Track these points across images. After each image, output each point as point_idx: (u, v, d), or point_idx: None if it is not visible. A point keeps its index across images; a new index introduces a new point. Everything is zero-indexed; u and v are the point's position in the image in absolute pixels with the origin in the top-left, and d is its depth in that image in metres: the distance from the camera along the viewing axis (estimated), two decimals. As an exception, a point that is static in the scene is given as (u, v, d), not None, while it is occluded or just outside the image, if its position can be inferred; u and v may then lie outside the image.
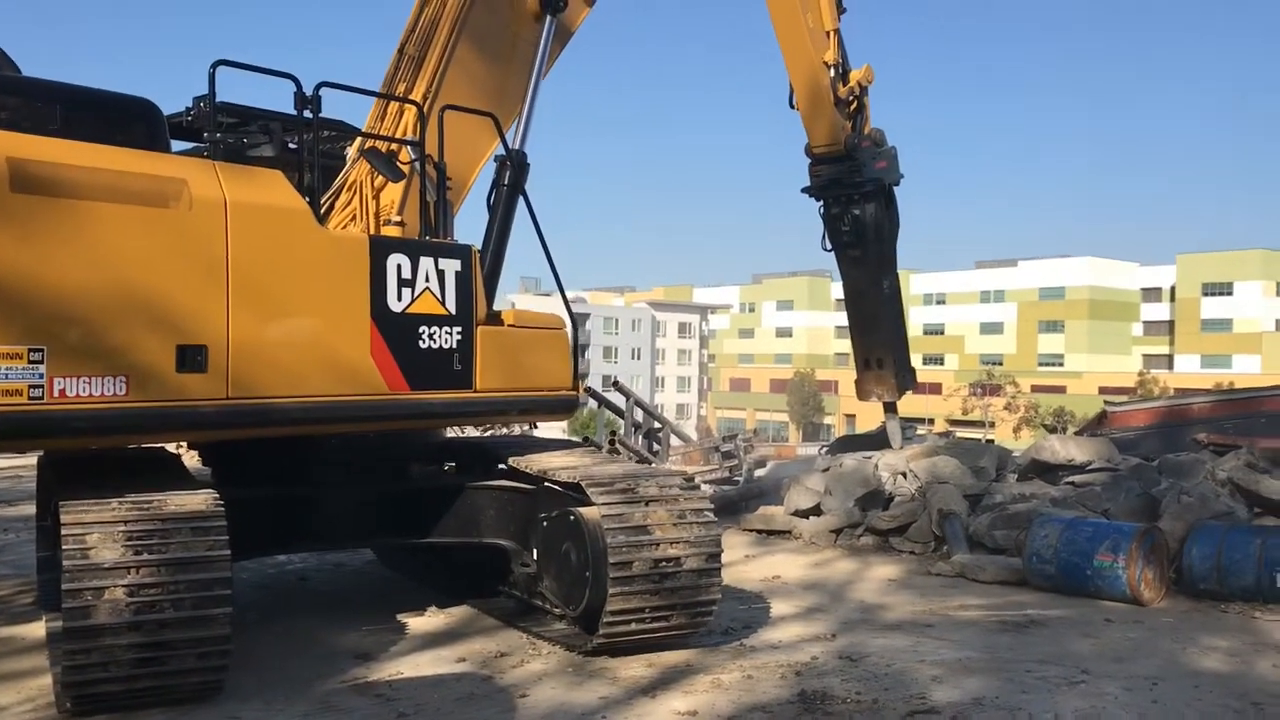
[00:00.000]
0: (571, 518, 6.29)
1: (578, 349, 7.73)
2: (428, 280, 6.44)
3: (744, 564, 9.72)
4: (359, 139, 7.70)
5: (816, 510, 11.53)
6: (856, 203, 11.87)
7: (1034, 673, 6.12)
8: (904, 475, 11.76)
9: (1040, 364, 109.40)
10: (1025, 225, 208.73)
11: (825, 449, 15.75)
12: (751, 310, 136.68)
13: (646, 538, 6.06)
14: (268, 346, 5.70)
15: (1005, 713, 5.38)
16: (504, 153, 7.87)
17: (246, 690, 5.49)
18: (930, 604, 8.04)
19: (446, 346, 6.47)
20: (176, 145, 6.37)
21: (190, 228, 5.46)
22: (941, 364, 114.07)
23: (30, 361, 4.91)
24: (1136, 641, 6.93)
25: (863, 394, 12.66)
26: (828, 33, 11.38)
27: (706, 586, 6.27)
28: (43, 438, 5.29)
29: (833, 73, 11.49)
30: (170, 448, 6.98)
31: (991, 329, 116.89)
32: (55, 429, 5.07)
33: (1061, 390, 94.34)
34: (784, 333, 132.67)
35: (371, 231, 7.43)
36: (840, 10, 11.59)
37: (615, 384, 16.20)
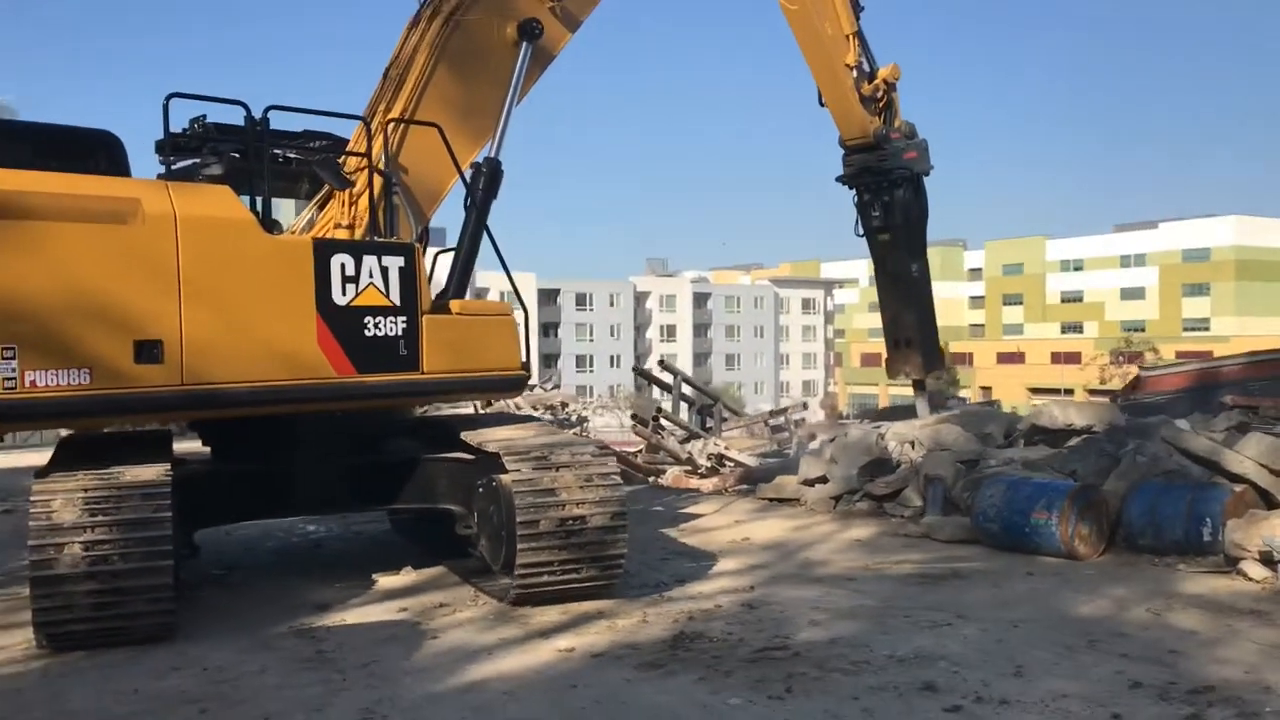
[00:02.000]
0: (494, 483, 7.10)
1: (527, 333, 8.52)
2: (371, 276, 7.28)
3: (730, 528, 10.33)
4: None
5: (824, 479, 12.06)
6: (886, 190, 12.41)
7: (911, 618, 6.66)
8: (911, 444, 12.20)
9: (1185, 329, 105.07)
10: (1166, 186, 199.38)
11: (864, 420, 16.20)
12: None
13: (553, 499, 6.82)
14: (218, 339, 6.64)
15: (851, 649, 5.95)
16: (479, 161, 8.70)
17: (202, 633, 6.46)
18: (871, 560, 8.58)
19: (392, 334, 7.31)
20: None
21: (144, 240, 6.42)
22: (1080, 332, 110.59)
23: (3, 358, 5.95)
24: (1038, 591, 7.37)
25: (892, 372, 13.18)
26: (847, 36, 11.88)
27: (613, 542, 6.99)
28: (16, 422, 6.35)
29: (855, 73, 12.01)
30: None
31: (1132, 294, 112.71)
32: (26, 414, 6.12)
33: (1208, 355, 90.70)
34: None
35: (355, 234, 8.34)
36: (859, 11, 12.05)
37: (661, 363, 16.90)
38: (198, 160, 7.65)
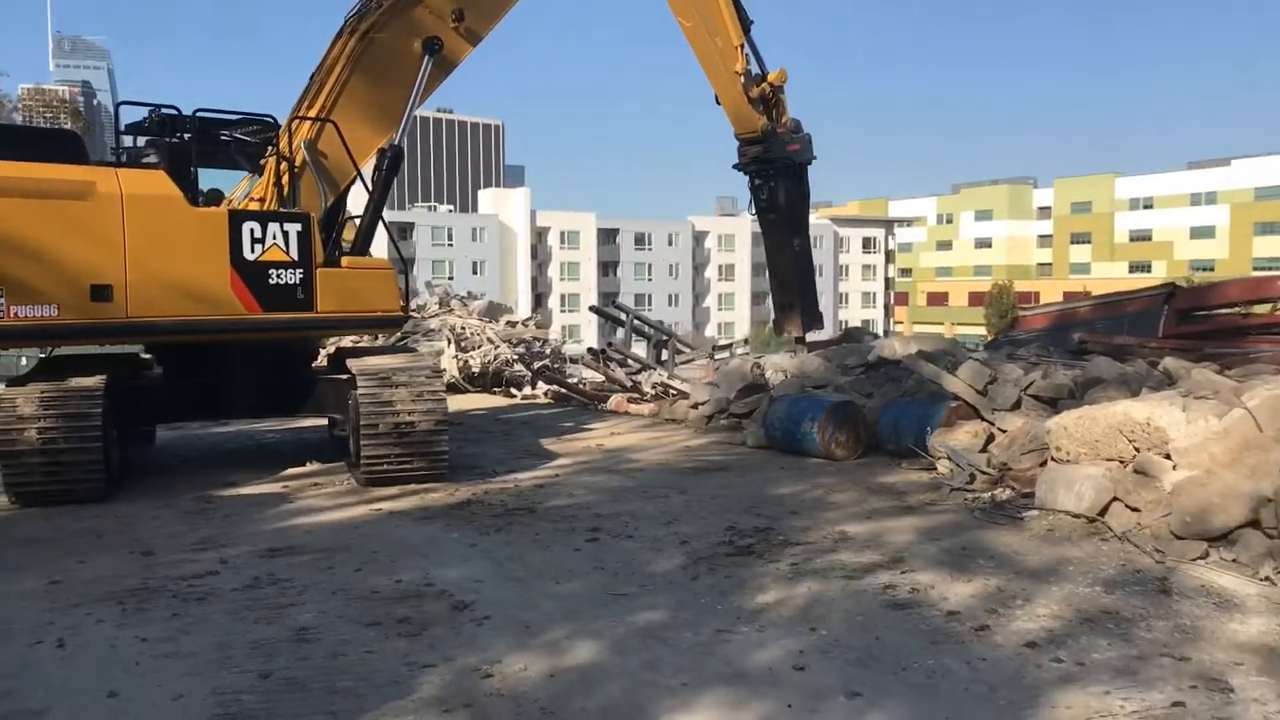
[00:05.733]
0: (351, 397, 9.53)
1: (408, 284, 10.85)
2: (275, 238, 9.68)
3: (600, 438, 12.64)
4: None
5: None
6: (773, 177, 14.42)
7: (647, 493, 8.92)
8: (783, 373, 14.38)
9: (1255, 268, 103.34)
10: (1240, 122, 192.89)
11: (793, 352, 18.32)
12: (949, 222, 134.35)
13: (389, 408, 9.23)
14: (154, 284, 9.06)
15: (576, 511, 8.24)
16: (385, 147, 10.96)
17: (128, 498, 9.00)
18: (669, 456, 10.88)
19: (292, 282, 9.71)
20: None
21: (99, 211, 8.85)
22: (1149, 271, 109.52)
23: None
24: (768, 479, 9.55)
25: (778, 329, 15.34)
26: (736, 47, 13.86)
27: (437, 441, 9.39)
28: (4, 341, 8.91)
29: (744, 78, 14.00)
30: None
31: (1202, 233, 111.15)
32: (11, 336, 8.67)
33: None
34: (983, 244, 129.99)
35: (273, 205, 10.73)
36: (748, 25, 14.01)
37: (614, 303, 19.13)
38: (143, 147, 10.13)
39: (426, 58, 10.85)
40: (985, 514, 7.64)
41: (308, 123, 10.52)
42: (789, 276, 15.07)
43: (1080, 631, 5.04)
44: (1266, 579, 5.64)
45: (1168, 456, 7.26)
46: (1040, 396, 9.94)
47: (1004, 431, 9.57)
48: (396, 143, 10.99)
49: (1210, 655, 4.70)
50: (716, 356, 20.43)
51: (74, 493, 8.67)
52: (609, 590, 5.97)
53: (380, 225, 10.79)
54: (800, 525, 7.49)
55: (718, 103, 14.32)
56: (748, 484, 9.32)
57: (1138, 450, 7.55)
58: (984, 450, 9.35)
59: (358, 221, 10.65)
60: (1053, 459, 8.14)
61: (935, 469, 9.54)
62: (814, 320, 15.37)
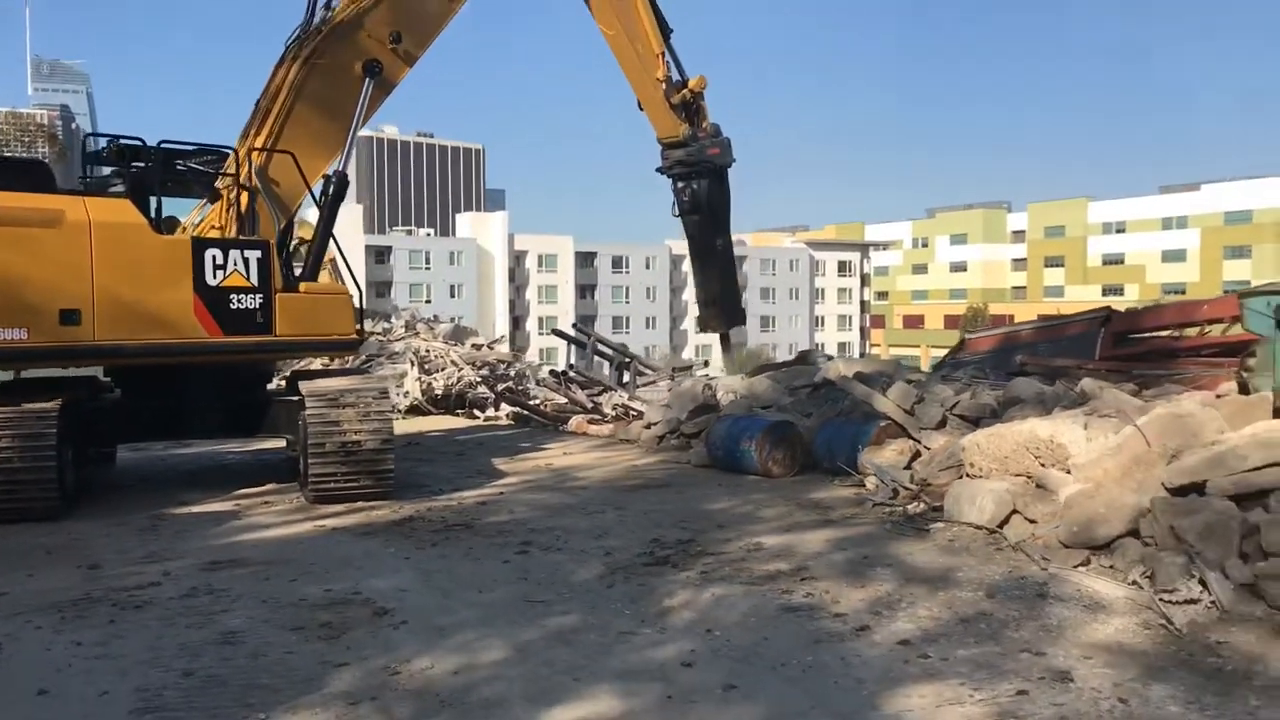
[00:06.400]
0: (301, 417, 9.87)
1: (361, 309, 11.23)
2: (236, 264, 10.03)
3: (551, 458, 13.00)
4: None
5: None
6: (695, 179, 14.88)
7: (585, 510, 9.27)
8: (734, 394, 14.80)
9: (1225, 291, 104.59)
10: (1210, 146, 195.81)
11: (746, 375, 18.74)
12: (925, 245, 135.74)
13: (336, 428, 9.58)
14: (121, 309, 9.39)
15: (513, 526, 8.60)
16: (330, 173, 11.36)
17: (83, 516, 9.30)
18: (613, 474, 11.25)
19: (252, 307, 10.06)
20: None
21: (67, 238, 9.19)
22: (1121, 294, 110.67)
23: None
24: (704, 495, 9.91)
25: (701, 326, 15.78)
26: (657, 54, 14.34)
27: (382, 461, 9.73)
28: None
29: (665, 84, 14.47)
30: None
31: (1174, 256, 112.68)
32: None
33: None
34: (958, 267, 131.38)
35: (228, 233, 11.09)
36: (668, 33, 14.49)
37: (575, 326, 19.53)
38: (108, 176, 10.48)
39: (368, 80, 11.26)
40: (896, 526, 8.04)
41: (262, 153, 10.89)
42: (713, 276, 15.60)
43: (953, 631, 5.44)
44: (1134, 582, 6.05)
45: (1069, 471, 7.69)
46: (965, 416, 10.37)
47: (929, 449, 9.99)
48: (341, 168, 11.40)
49: (1065, 651, 5.10)
50: (676, 378, 20.85)
51: (29, 510, 8.98)
52: (527, 598, 6.33)
53: (337, 251, 11.18)
54: (721, 538, 7.88)
55: (640, 109, 14.82)
56: (683, 500, 9.70)
57: (1044, 466, 7.98)
58: (908, 467, 9.75)
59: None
60: (967, 474, 8.56)
61: (864, 485, 9.94)
62: (736, 317, 15.93)
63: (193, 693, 4.74)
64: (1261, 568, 5.82)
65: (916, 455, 9.98)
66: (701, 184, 14.62)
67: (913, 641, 5.29)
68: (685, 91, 14.25)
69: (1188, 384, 10.61)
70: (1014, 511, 7.56)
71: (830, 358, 17.11)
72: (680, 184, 14.94)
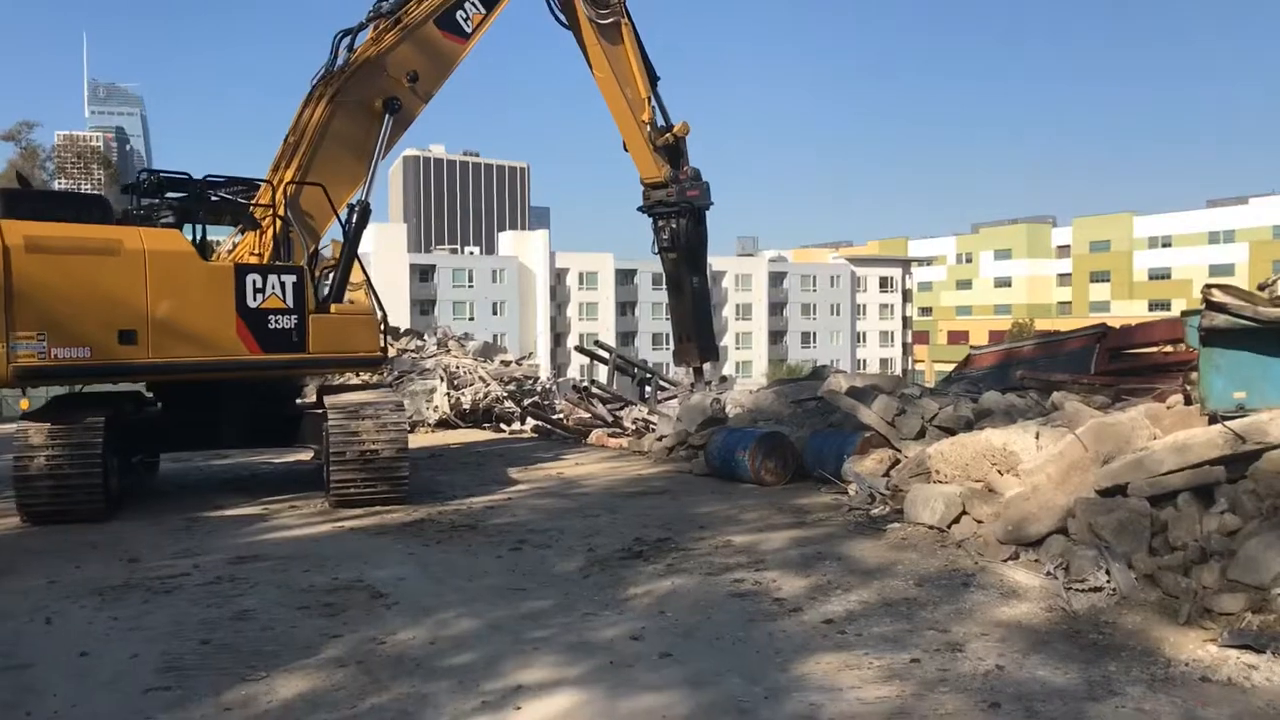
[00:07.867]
0: (324, 428, 10.76)
1: (386, 328, 12.11)
2: (274, 288, 10.96)
3: (564, 468, 13.79)
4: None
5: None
6: (674, 219, 15.75)
7: (583, 512, 10.05)
8: (741, 407, 15.55)
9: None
10: (1258, 160, 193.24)
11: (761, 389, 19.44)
12: (969, 261, 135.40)
13: (355, 438, 10.45)
14: (171, 329, 10.33)
15: (512, 526, 9.39)
16: (354, 202, 12.30)
17: (126, 518, 10.24)
18: (617, 483, 12.01)
19: (288, 327, 10.98)
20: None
21: (125, 265, 10.14)
22: (1168, 309, 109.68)
23: (39, 340, 9.74)
24: (696, 500, 10.66)
25: (678, 361, 16.67)
26: (644, 99, 15.21)
27: (398, 468, 10.59)
28: (47, 380, 10.15)
29: (649, 128, 15.34)
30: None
31: (1221, 270, 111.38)
32: (53, 375, 9.96)
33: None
34: (1003, 282, 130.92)
35: (264, 259, 12.04)
36: (655, 79, 15.36)
37: (597, 342, 20.37)
38: (156, 203, 11.51)
39: (388, 116, 12.21)
40: (859, 527, 8.74)
41: (294, 185, 11.85)
42: (688, 312, 16.42)
43: (875, 613, 6.15)
44: (1049, 574, 6.72)
45: (1018, 476, 8.36)
46: (943, 427, 11.02)
47: (908, 458, 10.66)
48: (364, 198, 12.31)
49: (967, 630, 5.79)
50: (716, 389, 21.60)
51: (76, 513, 9.91)
52: (510, 586, 7.12)
53: (363, 274, 12.10)
54: (696, 537, 8.62)
55: (625, 149, 15.68)
56: (676, 505, 10.45)
57: (1001, 472, 8.66)
58: (887, 475, 10.43)
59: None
60: (933, 480, 9.24)
61: (846, 492, 10.62)
62: (710, 352, 16.76)
63: (208, 656, 5.58)
64: (1164, 560, 6.50)
65: (895, 464, 10.65)
66: (680, 223, 15.50)
67: (835, 620, 6.01)
68: (669, 135, 15.12)
69: (1157, 397, 11.19)
70: (964, 512, 8.24)
71: (842, 373, 17.80)
72: (660, 222, 15.84)
